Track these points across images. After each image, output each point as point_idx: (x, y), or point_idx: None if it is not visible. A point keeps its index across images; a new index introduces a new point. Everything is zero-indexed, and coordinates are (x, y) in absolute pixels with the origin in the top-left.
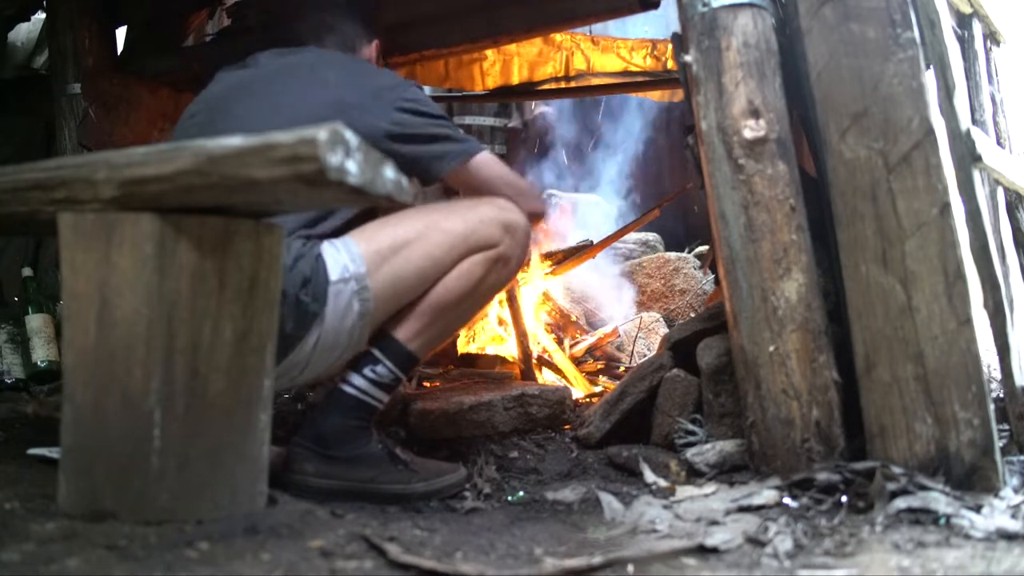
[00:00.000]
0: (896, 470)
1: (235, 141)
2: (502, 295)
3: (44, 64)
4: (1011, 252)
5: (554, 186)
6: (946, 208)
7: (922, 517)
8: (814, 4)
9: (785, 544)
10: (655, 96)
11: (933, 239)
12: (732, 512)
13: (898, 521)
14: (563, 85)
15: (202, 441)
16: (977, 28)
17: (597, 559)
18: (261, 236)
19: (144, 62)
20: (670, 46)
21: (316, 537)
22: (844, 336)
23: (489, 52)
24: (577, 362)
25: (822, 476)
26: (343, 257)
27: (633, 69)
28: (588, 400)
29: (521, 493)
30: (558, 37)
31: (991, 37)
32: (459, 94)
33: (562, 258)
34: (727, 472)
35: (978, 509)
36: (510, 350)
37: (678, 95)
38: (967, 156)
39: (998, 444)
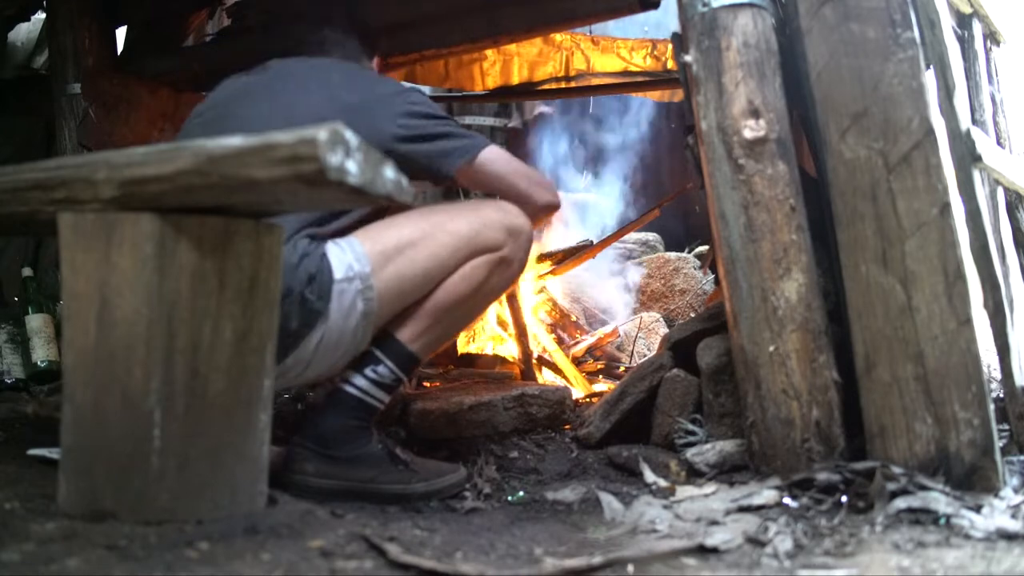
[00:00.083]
0: (896, 470)
1: (235, 141)
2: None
3: (44, 64)
4: (1011, 252)
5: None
6: (946, 208)
7: (922, 517)
8: (814, 4)
9: (785, 544)
10: (655, 96)
11: (933, 239)
12: (732, 512)
13: (898, 521)
14: (563, 85)
15: (202, 441)
16: (977, 28)
17: (597, 559)
18: (261, 236)
19: (144, 62)
20: (670, 46)
21: (316, 537)
22: (844, 336)
23: (489, 52)
24: (577, 362)
25: (822, 476)
26: (348, 256)
27: (633, 69)
28: (588, 400)
29: (521, 493)
30: (558, 37)
31: (991, 37)
32: (459, 94)
33: (562, 258)
34: (727, 472)
35: (978, 509)
36: (510, 350)
37: (678, 95)
38: (967, 156)
39: (998, 444)
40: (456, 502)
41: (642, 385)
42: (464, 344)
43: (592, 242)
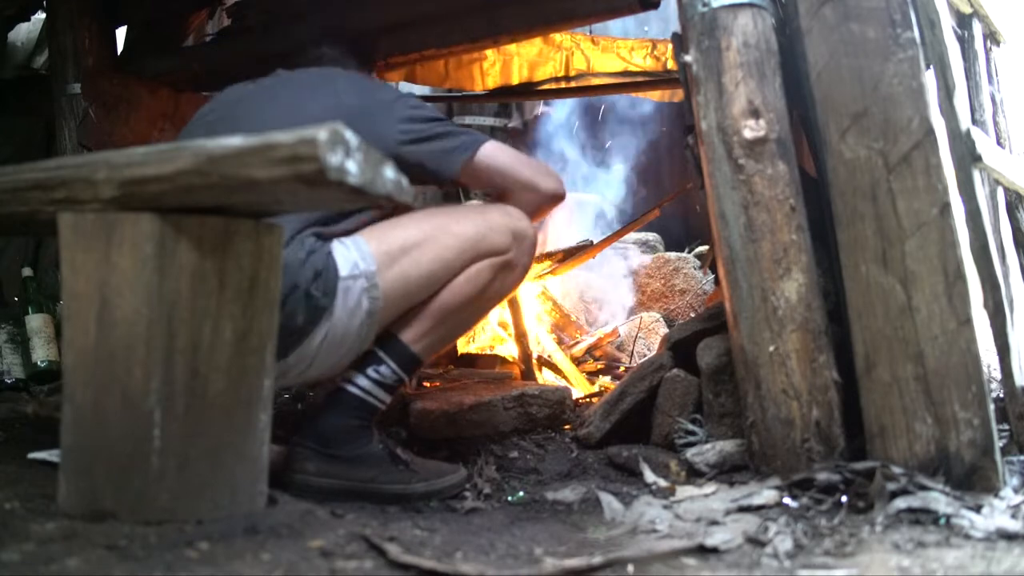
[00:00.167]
0: (896, 470)
1: (235, 141)
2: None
3: (44, 64)
4: (1011, 252)
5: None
6: (946, 208)
7: (922, 517)
8: (814, 4)
9: (785, 544)
10: (655, 96)
11: (933, 239)
12: (732, 512)
13: (898, 521)
14: (563, 85)
15: (202, 441)
16: (977, 28)
17: (597, 559)
18: (261, 236)
19: (144, 62)
20: (670, 46)
21: (316, 537)
22: (844, 336)
23: (489, 52)
24: (577, 362)
25: (822, 476)
26: (353, 255)
27: (633, 69)
28: (588, 400)
29: (521, 493)
30: (558, 37)
31: (991, 37)
32: (459, 94)
33: (562, 258)
34: (727, 472)
35: (978, 509)
36: (510, 350)
37: (678, 95)
38: (967, 156)
39: (998, 444)
40: (456, 502)
41: (642, 385)
42: (464, 344)
43: (592, 242)
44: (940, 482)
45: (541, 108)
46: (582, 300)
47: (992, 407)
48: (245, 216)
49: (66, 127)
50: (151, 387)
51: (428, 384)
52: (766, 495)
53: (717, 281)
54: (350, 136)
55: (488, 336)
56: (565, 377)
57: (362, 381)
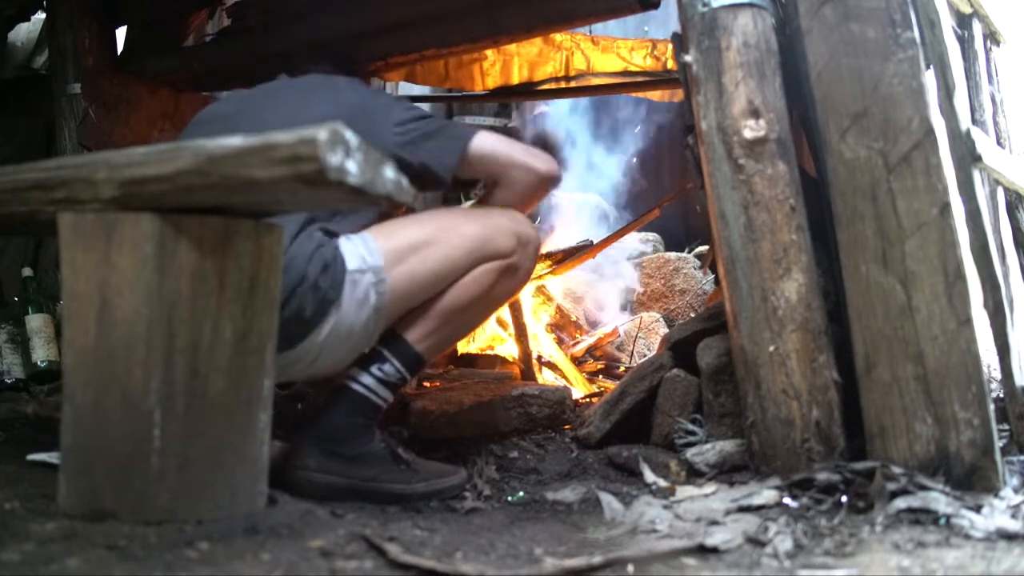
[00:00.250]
0: (896, 470)
1: (235, 141)
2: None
3: (44, 64)
4: (1011, 252)
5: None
6: (946, 208)
7: (922, 517)
8: (814, 4)
9: (785, 544)
10: (655, 96)
11: (933, 239)
12: (732, 512)
13: (898, 521)
14: (563, 85)
15: (202, 441)
16: (977, 28)
17: (597, 559)
18: (261, 236)
19: (144, 62)
20: (670, 46)
21: (316, 537)
22: (844, 336)
23: (489, 52)
24: (577, 362)
25: (822, 476)
26: (361, 249)
27: (633, 69)
28: (588, 400)
29: (521, 493)
30: (558, 37)
31: (991, 37)
32: (459, 94)
33: (562, 258)
34: (727, 472)
35: (978, 509)
36: (510, 350)
37: (678, 95)
38: (967, 156)
39: (998, 444)
40: (456, 502)
41: (642, 385)
42: (464, 344)
43: (592, 242)
44: (940, 482)
45: (541, 108)
46: (581, 300)
47: (992, 407)
48: (245, 216)
49: (66, 127)
50: (151, 387)
51: (428, 384)
52: (766, 495)
53: (717, 281)
54: (350, 136)
55: (488, 336)
56: (565, 377)
57: (366, 379)
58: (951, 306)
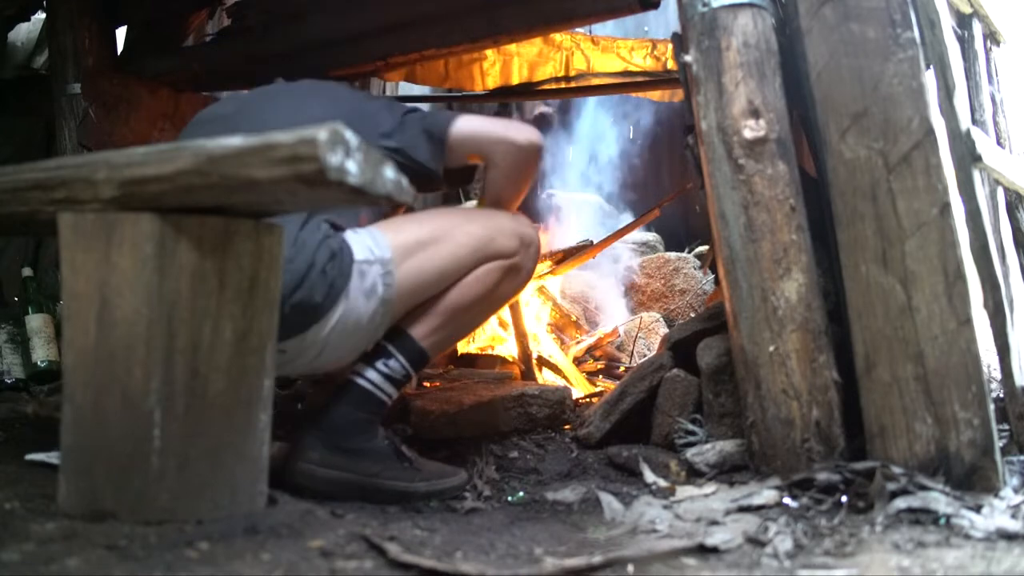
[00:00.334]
0: (896, 470)
1: (235, 141)
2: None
3: (44, 64)
4: (1011, 252)
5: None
6: (946, 208)
7: (922, 517)
8: (814, 4)
9: (785, 544)
10: (655, 96)
11: (933, 239)
12: (732, 512)
13: (898, 521)
14: (563, 85)
15: (202, 441)
16: (977, 28)
17: (597, 559)
18: (261, 236)
19: (144, 62)
20: (670, 46)
21: (316, 537)
22: (844, 336)
23: (489, 52)
24: (577, 362)
25: (822, 476)
26: (368, 241)
27: (633, 69)
28: (588, 400)
29: (521, 493)
30: (558, 37)
31: (991, 37)
32: (459, 94)
33: (562, 258)
34: (727, 472)
35: (978, 509)
36: (510, 350)
37: (678, 95)
38: (967, 156)
39: (998, 444)
40: (456, 502)
41: (642, 385)
42: (464, 344)
43: (592, 242)
44: (940, 482)
45: (541, 108)
46: (581, 300)
47: (992, 407)
48: (245, 216)
49: (66, 127)
50: (151, 387)
51: (428, 384)
52: (766, 495)
53: (717, 281)
54: (350, 136)
55: (488, 336)
56: (565, 377)
57: (371, 374)
58: (951, 306)
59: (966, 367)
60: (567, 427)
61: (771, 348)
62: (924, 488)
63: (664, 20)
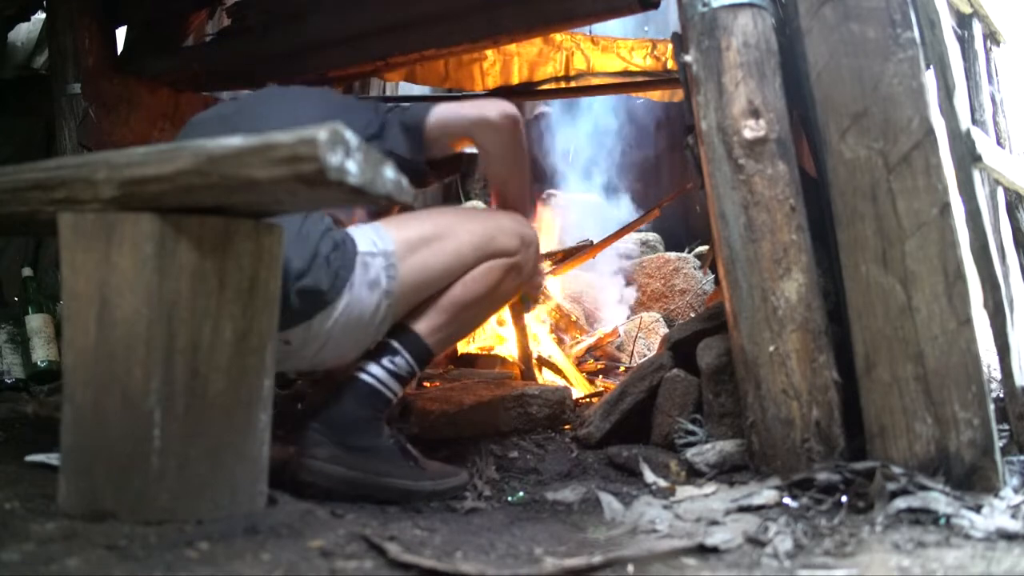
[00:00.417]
0: (896, 470)
1: (235, 141)
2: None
3: (44, 64)
4: (1011, 252)
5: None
6: (946, 208)
7: (922, 517)
8: (814, 4)
9: (785, 544)
10: (655, 96)
11: (933, 239)
12: (732, 512)
13: (898, 521)
14: (563, 85)
15: (202, 441)
16: (977, 28)
17: (597, 559)
18: (261, 236)
19: (144, 62)
20: (670, 46)
21: (316, 537)
22: (844, 336)
23: (489, 52)
24: (577, 362)
25: (822, 476)
26: (371, 235)
27: (633, 69)
28: (588, 400)
29: (521, 493)
30: (558, 37)
31: (991, 37)
32: (459, 94)
33: (562, 258)
34: (727, 472)
35: (978, 509)
36: (510, 350)
37: (678, 95)
38: (967, 156)
39: (998, 444)
40: (456, 502)
41: (642, 385)
42: (464, 344)
43: (592, 242)
44: (940, 482)
45: (541, 108)
46: (581, 300)
47: (992, 407)
48: (245, 216)
49: (66, 127)
50: (151, 387)
51: (428, 384)
52: (766, 495)
53: (717, 281)
54: (350, 136)
55: (488, 336)
56: (565, 377)
57: (377, 371)
58: (951, 306)
59: (966, 367)
60: (567, 427)
61: (771, 348)
62: (924, 488)
63: (664, 20)
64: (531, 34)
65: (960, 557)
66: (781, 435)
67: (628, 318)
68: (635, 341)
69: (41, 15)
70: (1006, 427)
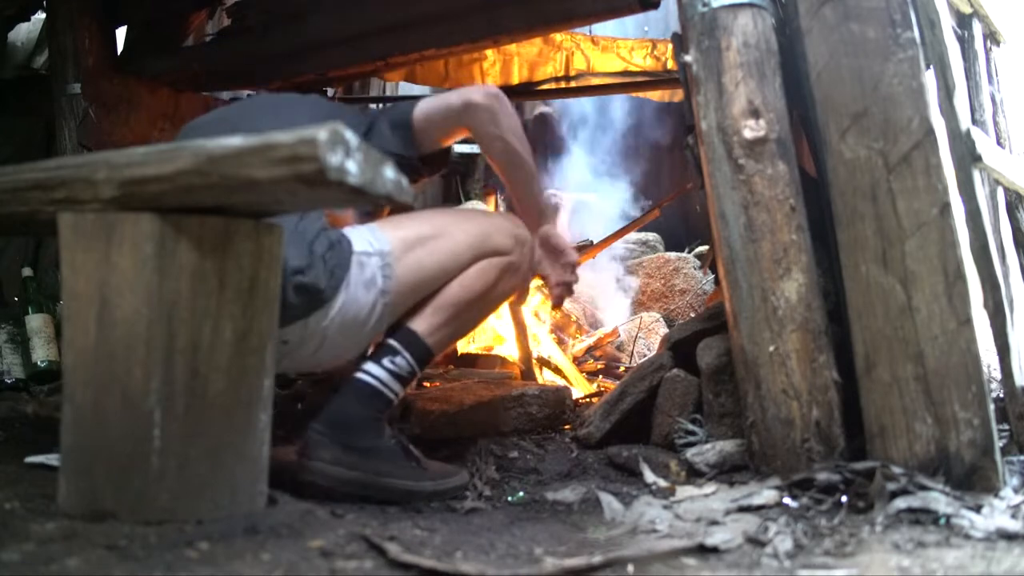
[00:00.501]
0: (896, 470)
1: (235, 141)
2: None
3: (44, 64)
4: (1011, 252)
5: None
6: (946, 208)
7: (922, 517)
8: (814, 4)
9: (785, 544)
10: (655, 96)
11: (933, 239)
12: (732, 512)
13: (898, 521)
14: (563, 85)
15: (202, 441)
16: (977, 28)
17: (597, 559)
18: (261, 236)
19: (144, 62)
20: (670, 46)
21: (316, 537)
22: (844, 336)
23: (489, 52)
24: (577, 362)
25: (822, 476)
26: (367, 235)
27: (633, 69)
28: (588, 400)
29: (521, 493)
30: (558, 37)
31: (991, 37)
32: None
33: None
34: (727, 472)
35: (978, 509)
36: (510, 350)
37: (678, 95)
38: (967, 156)
39: (998, 444)
40: (456, 502)
41: (642, 385)
42: (464, 344)
43: (592, 242)
44: (940, 482)
45: (541, 108)
46: (581, 300)
47: (992, 407)
48: (245, 216)
49: (66, 127)
50: (151, 387)
51: (428, 384)
52: (766, 495)
53: (717, 281)
54: (350, 136)
55: (488, 336)
56: (565, 377)
57: (378, 371)
58: (951, 306)
59: (966, 367)
60: (567, 427)
61: (771, 348)
62: (924, 488)
63: (664, 20)
64: (531, 34)
65: (960, 557)
66: (781, 435)
67: (628, 318)
68: (635, 341)
69: (41, 15)
70: (1006, 427)
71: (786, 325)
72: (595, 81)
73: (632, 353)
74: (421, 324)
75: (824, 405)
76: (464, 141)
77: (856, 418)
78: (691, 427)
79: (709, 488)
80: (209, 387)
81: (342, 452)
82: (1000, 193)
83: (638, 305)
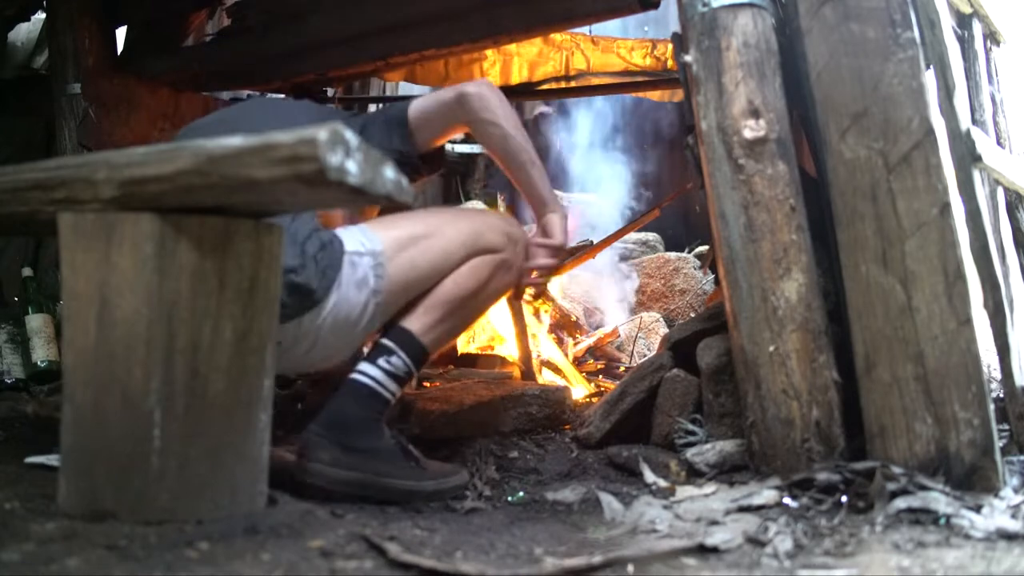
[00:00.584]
0: (896, 470)
1: (235, 141)
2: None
3: (44, 64)
4: (1011, 252)
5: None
6: (946, 208)
7: (922, 517)
8: (814, 4)
9: (785, 544)
10: (655, 96)
11: (933, 239)
12: (732, 512)
13: (898, 521)
14: (563, 85)
15: (202, 441)
16: (977, 28)
17: (597, 559)
18: (261, 236)
19: (144, 62)
20: (670, 46)
21: (316, 537)
22: (844, 336)
23: (489, 52)
24: (577, 362)
25: (822, 476)
26: (358, 236)
27: (633, 69)
28: (588, 400)
29: (521, 493)
30: (558, 37)
31: (991, 37)
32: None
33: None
34: (727, 472)
35: (978, 509)
36: (510, 350)
37: (678, 95)
38: (967, 156)
39: (998, 444)
40: (456, 502)
41: (642, 385)
42: (464, 344)
43: (592, 242)
44: (940, 482)
45: (541, 108)
46: (581, 300)
47: (992, 407)
48: (245, 216)
49: (66, 127)
50: (151, 387)
51: (428, 384)
52: (766, 495)
53: (717, 281)
54: (350, 136)
55: (488, 336)
56: (565, 377)
57: (374, 372)
58: (951, 306)
59: (966, 367)
60: (567, 427)
61: (771, 348)
62: (924, 488)
63: (665, 20)
64: (531, 34)
65: (960, 557)
66: (781, 435)
67: (628, 318)
68: (635, 341)
69: (41, 15)
70: (1006, 427)
71: (786, 325)
72: (595, 81)
73: (632, 353)
74: (415, 323)
75: (824, 405)
76: (464, 140)
77: (856, 418)
78: (691, 427)
79: (709, 488)
80: (209, 387)
81: (341, 453)
82: (1000, 193)
83: (638, 305)
